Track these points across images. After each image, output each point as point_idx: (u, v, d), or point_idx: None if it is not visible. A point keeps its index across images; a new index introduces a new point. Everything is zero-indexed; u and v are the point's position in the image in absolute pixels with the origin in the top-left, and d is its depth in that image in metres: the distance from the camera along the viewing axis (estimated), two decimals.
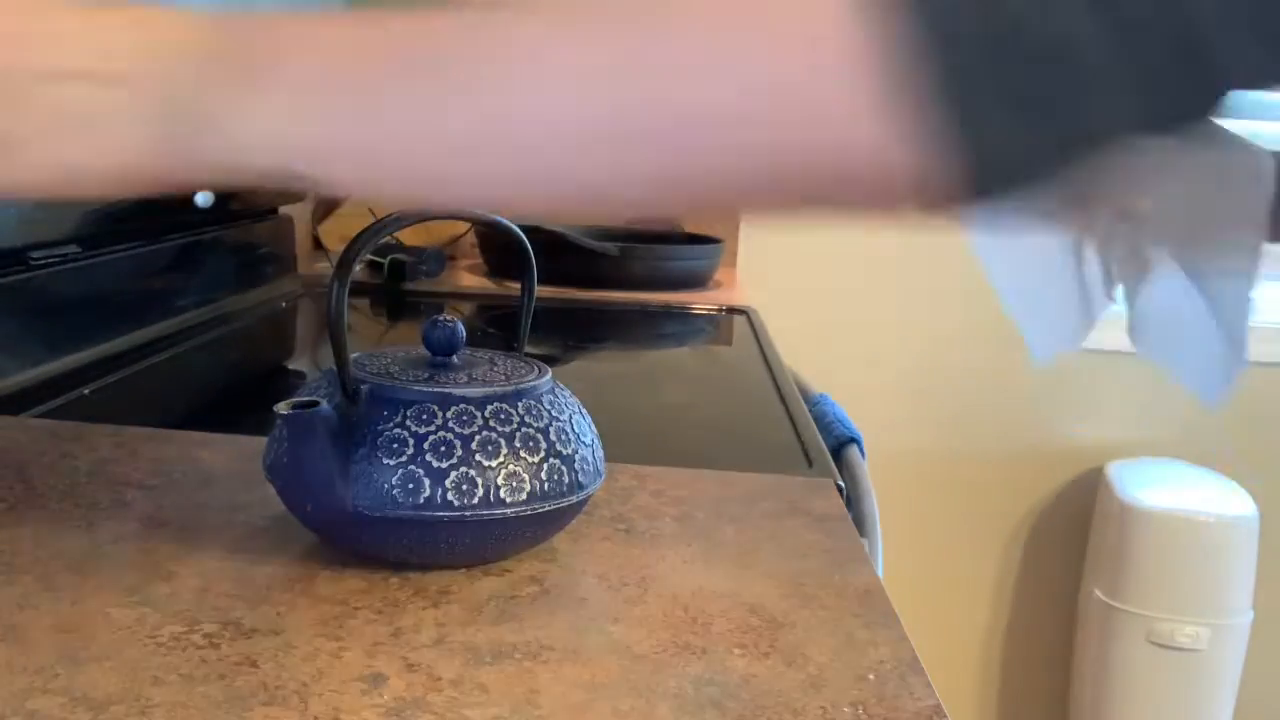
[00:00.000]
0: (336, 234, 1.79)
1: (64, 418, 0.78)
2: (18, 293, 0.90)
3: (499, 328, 1.38)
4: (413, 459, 0.52)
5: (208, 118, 0.37)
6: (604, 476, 0.59)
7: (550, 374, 0.59)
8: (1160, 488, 1.96)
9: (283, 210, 1.50)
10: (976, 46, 0.31)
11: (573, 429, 0.57)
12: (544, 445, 0.54)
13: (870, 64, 0.32)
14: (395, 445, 0.52)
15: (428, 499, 0.51)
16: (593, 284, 1.52)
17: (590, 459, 0.57)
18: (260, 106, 0.37)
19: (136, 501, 0.62)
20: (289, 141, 0.37)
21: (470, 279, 1.63)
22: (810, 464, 0.82)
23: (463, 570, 0.55)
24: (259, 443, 0.74)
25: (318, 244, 1.81)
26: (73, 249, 0.98)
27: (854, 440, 0.98)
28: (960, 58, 0.31)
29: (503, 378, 0.56)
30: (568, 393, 0.59)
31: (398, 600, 0.52)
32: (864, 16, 0.32)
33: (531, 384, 0.56)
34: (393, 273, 1.52)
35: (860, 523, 0.78)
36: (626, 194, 0.38)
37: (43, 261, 0.93)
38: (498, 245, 1.58)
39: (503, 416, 0.54)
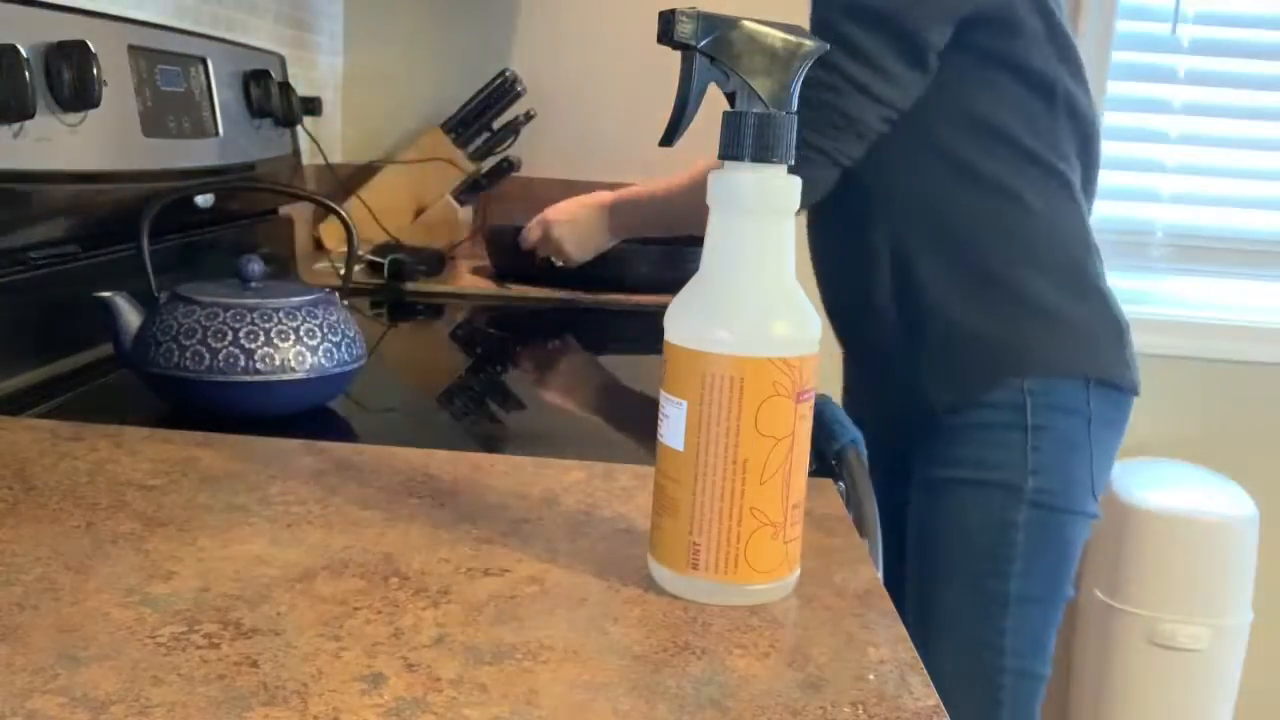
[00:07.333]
0: (336, 234, 1.79)
1: (64, 418, 0.78)
2: (18, 293, 0.90)
3: (499, 328, 1.38)
4: (233, 342, 0.79)
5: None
6: (366, 358, 0.84)
7: (331, 293, 0.85)
8: (1160, 488, 1.96)
9: (283, 210, 1.50)
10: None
11: (343, 328, 0.84)
12: (319, 334, 0.82)
13: None
14: (222, 333, 0.79)
15: (243, 368, 0.78)
16: (593, 285, 1.52)
17: (352, 346, 0.84)
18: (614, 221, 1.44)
19: (136, 501, 0.62)
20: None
21: (470, 279, 1.63)
22: (810, 464, 0.82)
23: (463, 570, 0.56)
24: (259, 443, 0.74)
25: (318, 244, 1.81)
26: (73, 249, 0.98)
27: (854, 441, 0.98)
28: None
29: (294, 294, 0.84)
30: (342, 308, 0.86)
31: (398, 600, 0.52)
32: None
33: (313, 298, 0.84)
34: (393, 273, 1.52)
35: (860, 523, 0.78)
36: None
37: (43, 261, 0.93)
38: (507, 248, 1.57)
39: (291, 316, 0.82)
